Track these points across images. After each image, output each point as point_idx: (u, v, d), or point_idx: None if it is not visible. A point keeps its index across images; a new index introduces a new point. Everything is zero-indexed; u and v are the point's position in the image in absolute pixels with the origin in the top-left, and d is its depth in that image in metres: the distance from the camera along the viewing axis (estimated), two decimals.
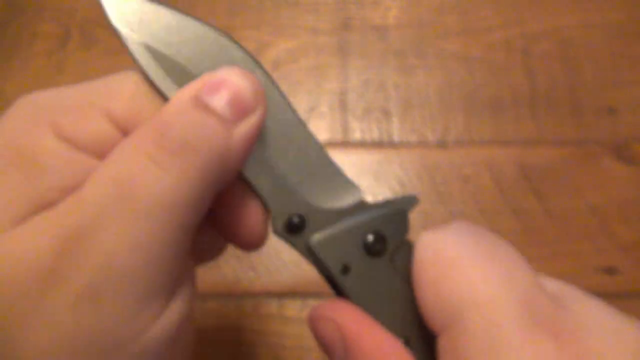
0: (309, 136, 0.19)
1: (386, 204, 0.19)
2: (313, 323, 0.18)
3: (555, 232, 0.35)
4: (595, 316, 0.15)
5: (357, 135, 0.38)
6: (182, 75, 0.18)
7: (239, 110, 0.16)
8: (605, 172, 0.37)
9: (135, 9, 0.18)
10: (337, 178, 0.19)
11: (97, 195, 0.15)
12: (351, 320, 0.17)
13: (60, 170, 0.16)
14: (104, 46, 0.42)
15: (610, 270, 0.34)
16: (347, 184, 0.19)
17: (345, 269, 0.18)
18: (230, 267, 0.34)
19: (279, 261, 0.34)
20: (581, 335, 0.14)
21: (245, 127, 0.16)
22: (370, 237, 0.18)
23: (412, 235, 0.19)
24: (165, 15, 0.18)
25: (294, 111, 0.19)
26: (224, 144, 0.16)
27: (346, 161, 0.37)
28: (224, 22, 0.42)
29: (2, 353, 0.15)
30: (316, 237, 0.18)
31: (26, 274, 0.14)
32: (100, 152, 0.17)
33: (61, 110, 0.17)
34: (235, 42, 0.18)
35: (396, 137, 0.38)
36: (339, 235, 0.18)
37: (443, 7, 0.43)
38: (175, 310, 0.16)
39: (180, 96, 0.16)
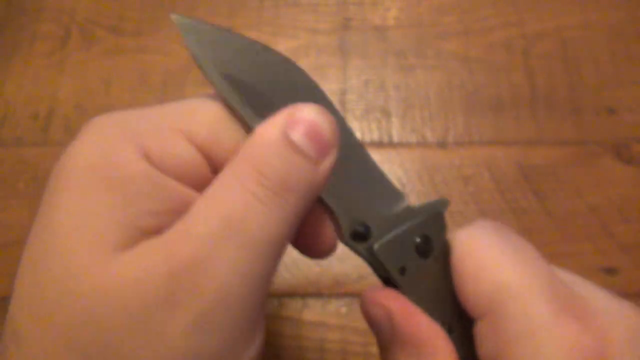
0: (363, 151, 0.21)
1: (426, 207, 0.21)
2: (366, 306, 0.20)
3: (555, 232, 0.35)
4: (600, 299, 0.18)
5: (357, 135, 0.38)
6: (258, 101, 0.19)
7: (322, 148, 0.18)
8: (605, 172, 0.37)
9: (210, 36, 0.18)
10: (388, 187, 0.21)
11: (208, 230, 0.16)
12: (400, 308, 0.19)
13: (152, 194, 0.17)
14: (104, 46, 0.42)
15: (610, 271, 0.34)
16: (395, 191, 0.21)
17: (403, 270, 0.19)
18: None
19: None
20: (594, 316, 0.17)
21: (327, 163, 0.18)
22: (419, 239, 0.20)
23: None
24: (237, 41, 0.19)
25: (350, 129, 0.21)
26: (313, 182, 0.18)
27: None
28: (224, 22, 0.42)
29: None
30: (378, 244, 0.19)
31: (139, 299, 0.15)
32: (185, 176, 0.18)
33: (147, 133, 0.17)
34: (299, 67, 0.20)
35: (396, 137, 0.38)
36: (396, 240, 0.20)
37: (443, 7, 0.43)
38: (260, 336, 0.18)
39: (269, 131, 0.17)
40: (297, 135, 0.17)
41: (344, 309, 0.33)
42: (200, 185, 0.18)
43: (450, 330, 0.19)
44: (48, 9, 0.43)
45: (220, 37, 0.19)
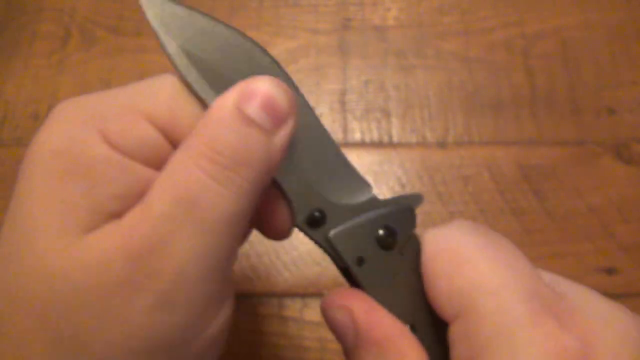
0: (327, 137, 0.20)
1: (395, 200, 0.20)
2: (326, 310, 0.19)
3: (555, 232, 0.35)
4: (587, 300, 0.17)
5: (357, 135, 0.38)
6: (216, 78, 0.18)
7: (277, 119, 0.17)
8: (605, 172, 0.37)
9: (173, 13, 0.18)
10: (352, 176, 0.20)
11: (164, 211, 0.16)
12: (362, 307, 0.18)
13: (115, 179, 0.17)
14: (104, 46, 0.42)
15: (610, 271, 0.34)
16: (361, 182, 0.20)
17: (360, 261, 0.19)
18: None
19: (279, 261, 0.34)
20: (579, 317, 0.16)
21: (283, 135, 0.18)
22: (382, 232, 0.19)
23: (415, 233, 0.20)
24: (199, 20, 0.19)
25: (313, 112, 0.20)
26: (268, 154, 0.17)
27: None
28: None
29: (74, 346, 0.16)
30: (334, 231, 0.19)
31: (100, 281, 0.16)
32: (147, 158, 0.18)
33: (107, 116, 0.18)
34: (262, 48, 0.19)
35: (396, 138, 0.38)
36: (355, 230, 0.19)
37: (443, 7, 0.43)
38: (226, 310, 0.18)
39: (222, 106, 0.17)
40: (251, 107, 0.17)
41: None
42: (163, 165, 0.18)
43: (414, 331, 0.19)
44: (48, 9, 0.43)
45: (185, 15, 0.18)
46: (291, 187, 0.19)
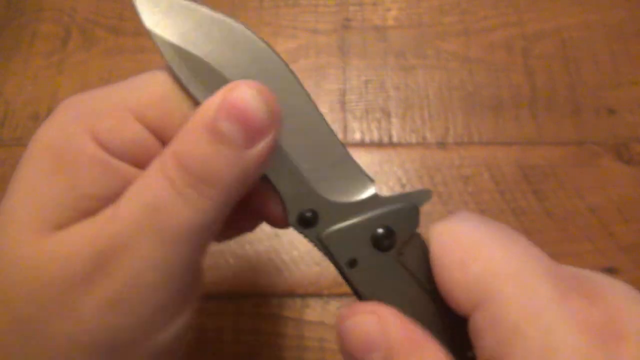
0: (328, 131, 0.19)
1: (399, 198, 0.19)
2: (348, 317, 0.17)
3: (555, 232, 0.35)
4: (607, 280, 0.17)
5: (357, 135, 0.38)
6: (212, 75, 0.18)
7: (253, 134, 0.17)
8: (605, 172, 0.37)
9: (166, 8, 0.18)
10: (353, 171, 0.19)
11: (130, 215, 0.16)
12: (390, 314, 0.17)
13: (99, 179, 0.17)
14: (104, 46, 0.42)
15: (610, 271, 0.34)
16: (362, 177, 0.19)
17: (352, 263, 0.18)
18: (230, 267, 0.34)
19: (279, 261, 0.34)
20: (602, 294, 0.16)
21: (259, 149, 0.17)
22: (379, 232, 0.18)
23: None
24: (197, 12, 0.18)
25: (313, 104, 0.19)
26: (239, 171, 0.17)
27: None
28: None
29: (29, 330, 0.16)
30: (326, 231, 0.18)
31: (64, 274, 0.16)
32: (136, 157, 0.18)
33: (98, 116, 0.18)
34: (264, 41, 0.19)
35: (396, 138, 0.38)
36: (348, 230, 0.18)
37: (443, 7, 0.43)
38: (183, 318, 0.18)
39: (198, 117, 0.17)
40: (224, 122, 0.16)
41: None
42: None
43: None
44: (48, 9, 0.43)
45: (180, 9, 0.18)
46: (283, 185, 0.19)
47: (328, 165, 0.19)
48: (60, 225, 0.17)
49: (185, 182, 0.16)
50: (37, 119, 0.39)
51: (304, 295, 0.33)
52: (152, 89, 0.18)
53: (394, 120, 0.39)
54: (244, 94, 0.17)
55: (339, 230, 0.18)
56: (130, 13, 0.43)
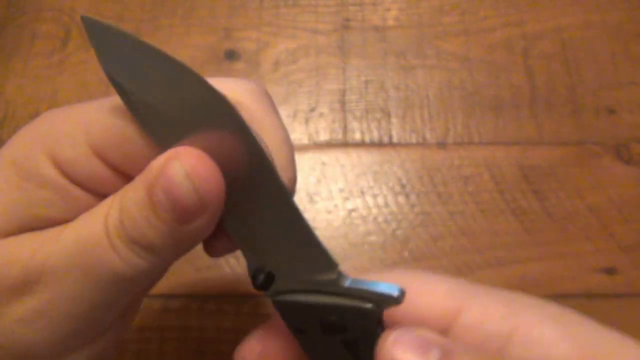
0: (290, 204, 0.17)
1: (364, 292, 0.17)
2: None
3: (555, 232, 0.35)
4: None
5: (357, 135, 0.38)
6: (146, 111, 0.17)
7: (184, 215, 0.16)
8: (605, 172, 0.37)
9: (107, 37, 0.17)
10: (316, 252, 0.17)
11: (66, 245, 0.17)
12: None
13: (56, 203, 0.17)
14: None
15: (610, 271, 0.34)
16: (326, 259, 0.17)
17: (301, 331, 0.18)
18: (230, 267, 0.34)
19: None
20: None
21: (193, 227, 0.16)
22: (330, 319, 0.17)
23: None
24: (138, 51, 0.16)
25: (277, 177, 0.17)
26: (173, 242, 0.17)
27: (346, 162, 0.37)
28: (224, 22, 0.42)
29: None
30: (278, 298, 0.18)
31: (2, 281, 0.17)
32: (97, 189, 0.18)
33: (61, 145, 0.17)
34: (210, 86, 0.16)
35: (396, 138, 0.38)
36: (299, 307, 0.18)
37: (443, 7, 0.43)
38: (100, 344, 0.19)
39: (143, 180, 0.16)
40: (159, 191, 0.16)
41: None
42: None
43: None
44: (48, 9, 0.43)
45: (119, 42, 0.16)
46: (243, 244, 0.18)
47: (289, 237, 0.18)
48: (8, 234, 0.17)
49: (121, 239, 0.17)
50: None
51: None
52: (113, 123, 0.17)
53: (394, 120, 0.39)
54: (175, 173, 0.16)
55: (290, 303, 0.18)
56: (130, 13, 0.43)
